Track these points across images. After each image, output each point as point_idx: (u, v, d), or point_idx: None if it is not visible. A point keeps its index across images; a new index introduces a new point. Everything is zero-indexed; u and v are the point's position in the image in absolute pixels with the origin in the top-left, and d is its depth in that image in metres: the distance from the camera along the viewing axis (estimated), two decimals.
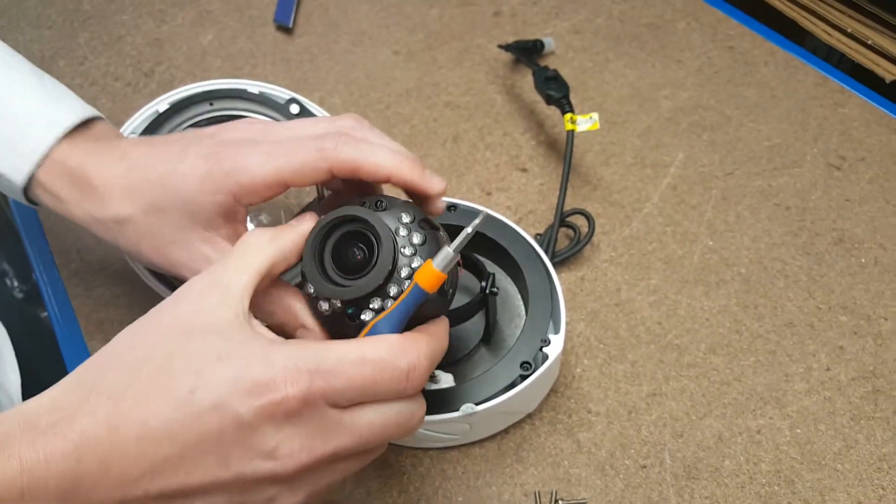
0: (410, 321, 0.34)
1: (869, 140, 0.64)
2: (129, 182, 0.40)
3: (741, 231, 0.58)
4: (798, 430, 0.48)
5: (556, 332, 0.47)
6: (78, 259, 0.57)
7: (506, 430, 0.48)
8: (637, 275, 0.56)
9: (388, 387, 0.32)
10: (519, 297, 0.51)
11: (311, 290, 0.36)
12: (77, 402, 0.29)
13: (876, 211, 0.59)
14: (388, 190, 0.43)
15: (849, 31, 0.75)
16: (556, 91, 0.62)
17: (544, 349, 0.46)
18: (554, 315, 0.48)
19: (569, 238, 0.57)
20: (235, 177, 0.37)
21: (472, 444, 0.47)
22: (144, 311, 0.33)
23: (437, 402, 0.43)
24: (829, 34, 0.77)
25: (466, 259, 0.49)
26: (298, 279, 0.37)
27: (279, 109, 0.51)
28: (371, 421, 0.32)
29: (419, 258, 0.35)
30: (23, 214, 0.60)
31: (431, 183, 0.38)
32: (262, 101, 0.51)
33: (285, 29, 0.75)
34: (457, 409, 0.43)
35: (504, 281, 0.52)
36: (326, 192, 0.47)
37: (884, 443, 0.47)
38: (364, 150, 0.37)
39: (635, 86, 0.70)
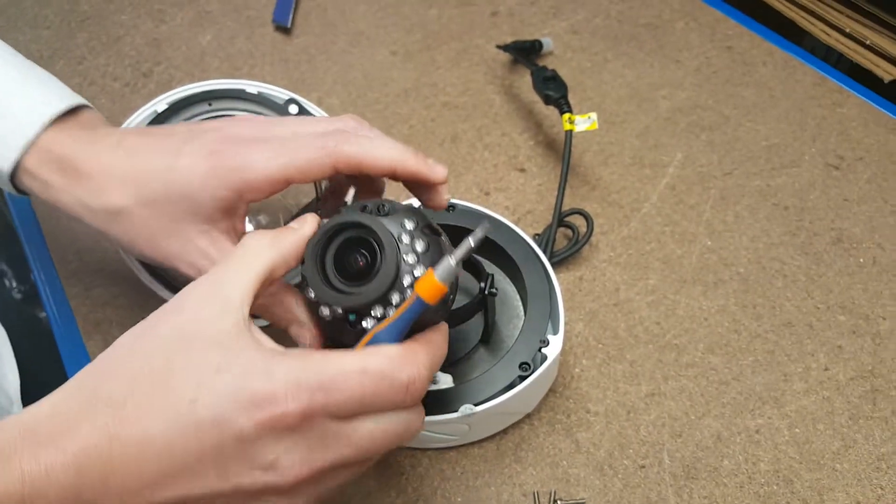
0: (410, 328, 0.34)
1: (867, 140, 0.64)
2: (126, 172, 0.39)
3: (740, 231, 0.58)
4: (797, 430, 0.48)
5: (555, 332, 0.47)
6: (76, 259, 0.57)
7: (504, 431, 0.48)
8: (635, 275, 0.56)
9: (388, 399, 0.32)
10: (518, 297, 0.51)
11: (313, 296, 0.35)
12: (77, 409, 0.29)
13: (874, 210, 0.59)
14: (388, 191, 0.43)
15: (847, 31, 0.75)
16: (554, 91, 0.62)
17: (543, 349, 0.46)
18: (553, 315, 0.48)
19: (567, 238, 0.57)
20: (240, 173, 0.37)
21: (471, 444, 0.47)
22: (142, 311, 0.33)
23: (436, 402, 0.43)
24: (828, 34, 0.77)
25: (465, 260, 0.48)
26: (298, 279, 0.37)
27: (278, 110, 0.51)
28: (371, 432, 0.32)
29: (422, 266, 0.34)
30: (21, 215, 0.60)
31: (435, 171, 0.38)
32: (261, 101, 0.51)
33: (284, 29, 0.75)
34: (456, 410, 0.43)
35: (503, 281, 0.52)
36: (325, 187, 0.47)
37: (882, 442, 0.47)
38: (366, 145, 0.37)
39: (634, 86, 0.70)
